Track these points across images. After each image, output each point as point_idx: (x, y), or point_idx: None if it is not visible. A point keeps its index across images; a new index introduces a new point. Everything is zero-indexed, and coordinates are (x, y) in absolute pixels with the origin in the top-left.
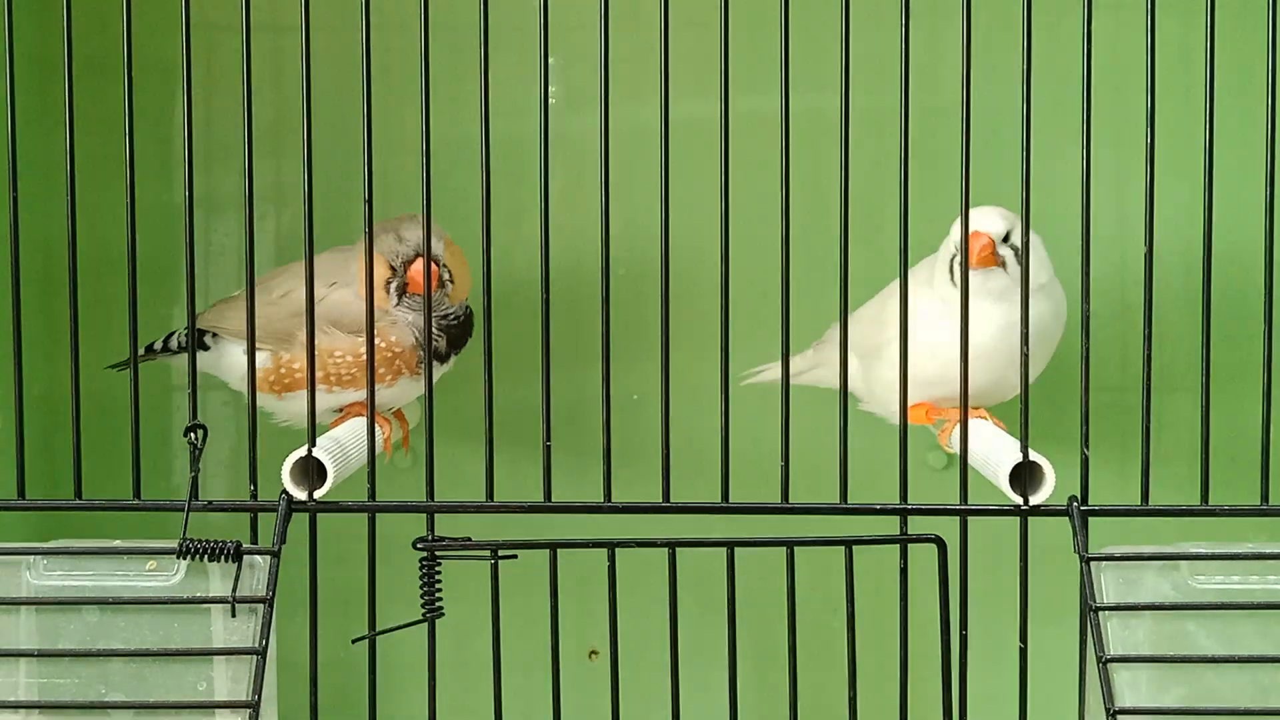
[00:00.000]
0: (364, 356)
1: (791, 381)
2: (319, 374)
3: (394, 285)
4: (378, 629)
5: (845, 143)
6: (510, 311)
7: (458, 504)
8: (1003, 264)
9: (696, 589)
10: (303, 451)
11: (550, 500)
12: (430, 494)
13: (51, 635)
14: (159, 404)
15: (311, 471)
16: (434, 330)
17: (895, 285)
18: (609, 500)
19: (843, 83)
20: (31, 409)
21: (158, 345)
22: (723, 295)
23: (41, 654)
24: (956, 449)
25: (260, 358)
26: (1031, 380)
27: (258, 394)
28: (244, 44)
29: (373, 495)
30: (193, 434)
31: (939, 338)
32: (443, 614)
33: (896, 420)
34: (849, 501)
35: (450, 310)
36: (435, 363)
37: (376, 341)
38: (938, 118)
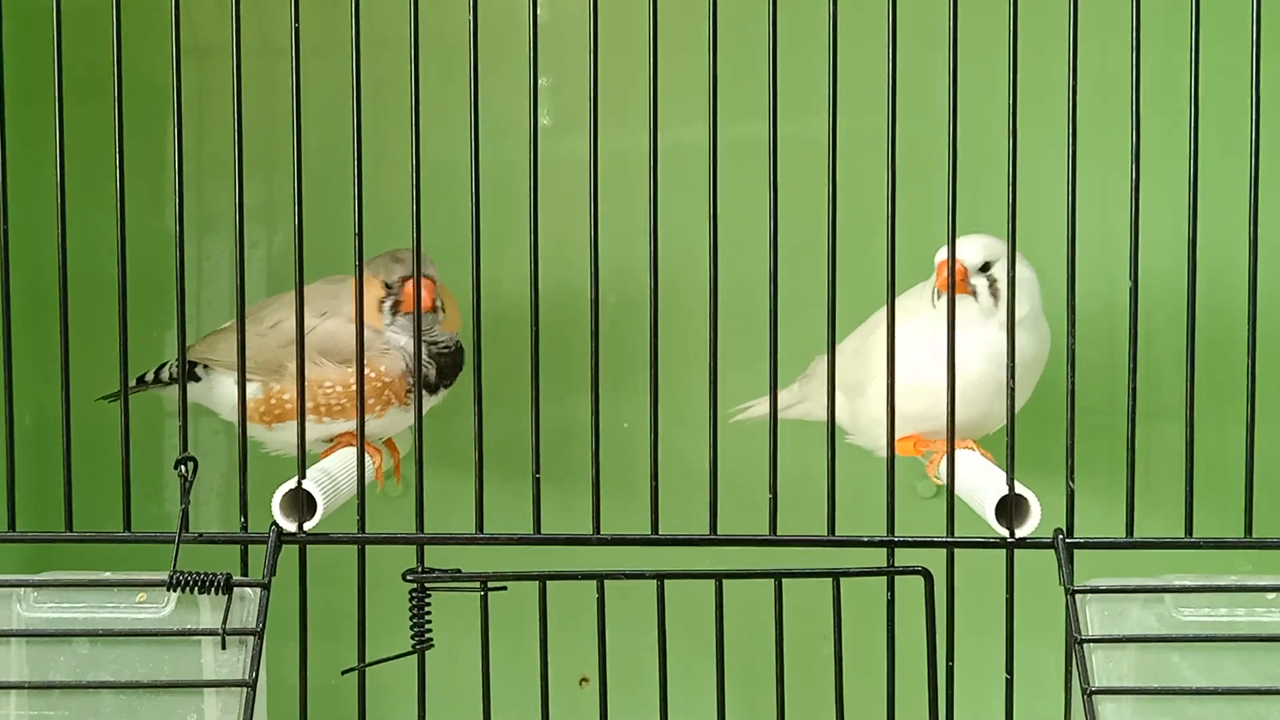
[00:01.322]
0: (353, 387)
1: (780, 415)
2: (309, 404)
3: (388, 304)
4: (368, 660)
5: (832, 171)
6: (500, 340)
7: (447, 536)
8: (973, 293)
9: (685, 618)
10: (292, 483)
11: (539, 532)
12: (420, 525)
13: (42, 667)
14: (150, 432)
15: (302, 503)
16: (425, 358)
17: (877, 318)
18: (598, 532)
19: (830, 109)
20: (20, 439)
21: (149, 376)
22: (711, 327)
23: (32, 686)
24: (944, 480)
25: (251, 389)
26: (1016, 411)
27: (248, 424)
28: (234, 68)
29: (362, 527)
30: (183, 466)
31: (925, 371)
32: (432, 645)
33: (883, 453)
34: (836, 533)
35: (442, 338)
36: (424, 394)
37: (366, 371)
38: (926, 143)
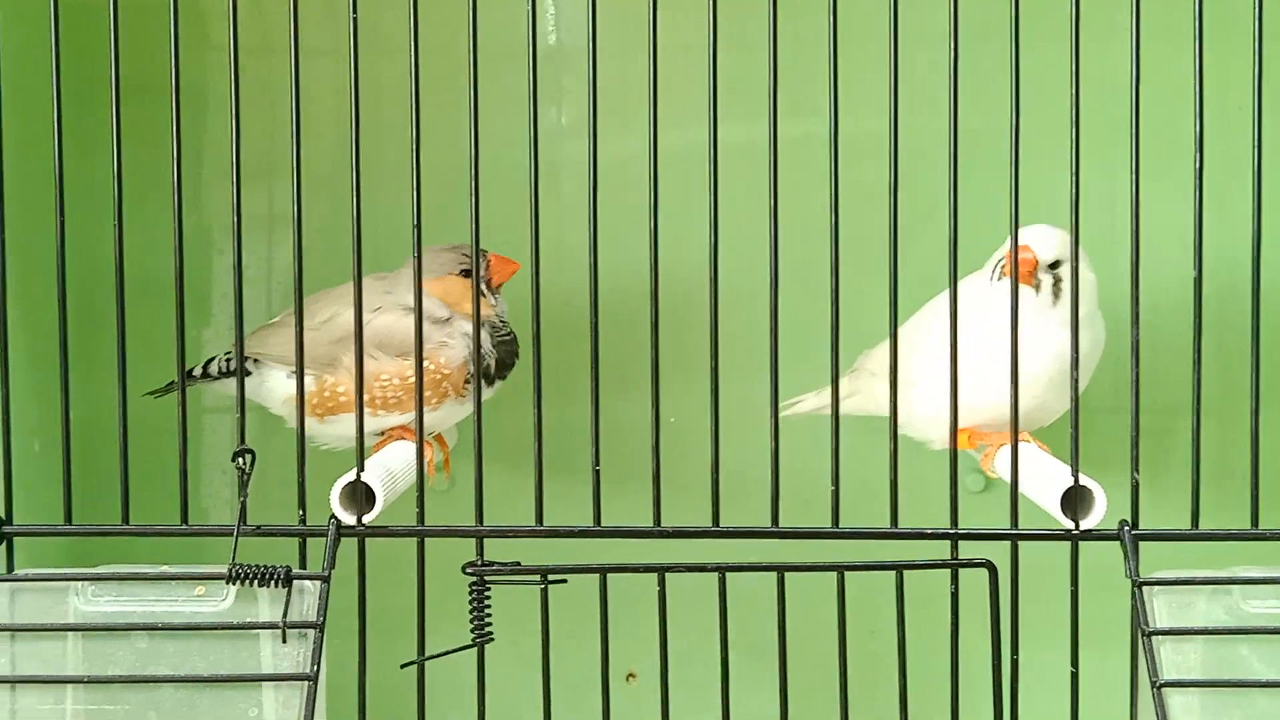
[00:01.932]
0: (409, 379)
1: (824, 411)
2: (365, 396)
3: (485, 284)
4: (426, 654)
5: (894, 161)
6: (551, 335)
7: (507, 529)
8: (1036, 286)
9: (738, 612)
10: (351, 476)
11: (600, 524)
12: (479, 518)
13: (101, 661)
14: (189, 428)
15: (360, 496)
16: (488, 346)
17: (927, 311)
18: (658, 524)
19: (891, 103)
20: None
21: (196, 371)
22: (772, 317)
23: (91, 680)
24: (1000, 474)
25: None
26: (1065, 406)
27: (292, 414)
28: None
29: (421, 520)
30: (240, 459)
31: (981, 364)
32: (492, 639)
33: (935, 446)
34: (899, 526)
35: (502, 326)
36: (484, 384)
37: (425, 364)
38: (983, 140)
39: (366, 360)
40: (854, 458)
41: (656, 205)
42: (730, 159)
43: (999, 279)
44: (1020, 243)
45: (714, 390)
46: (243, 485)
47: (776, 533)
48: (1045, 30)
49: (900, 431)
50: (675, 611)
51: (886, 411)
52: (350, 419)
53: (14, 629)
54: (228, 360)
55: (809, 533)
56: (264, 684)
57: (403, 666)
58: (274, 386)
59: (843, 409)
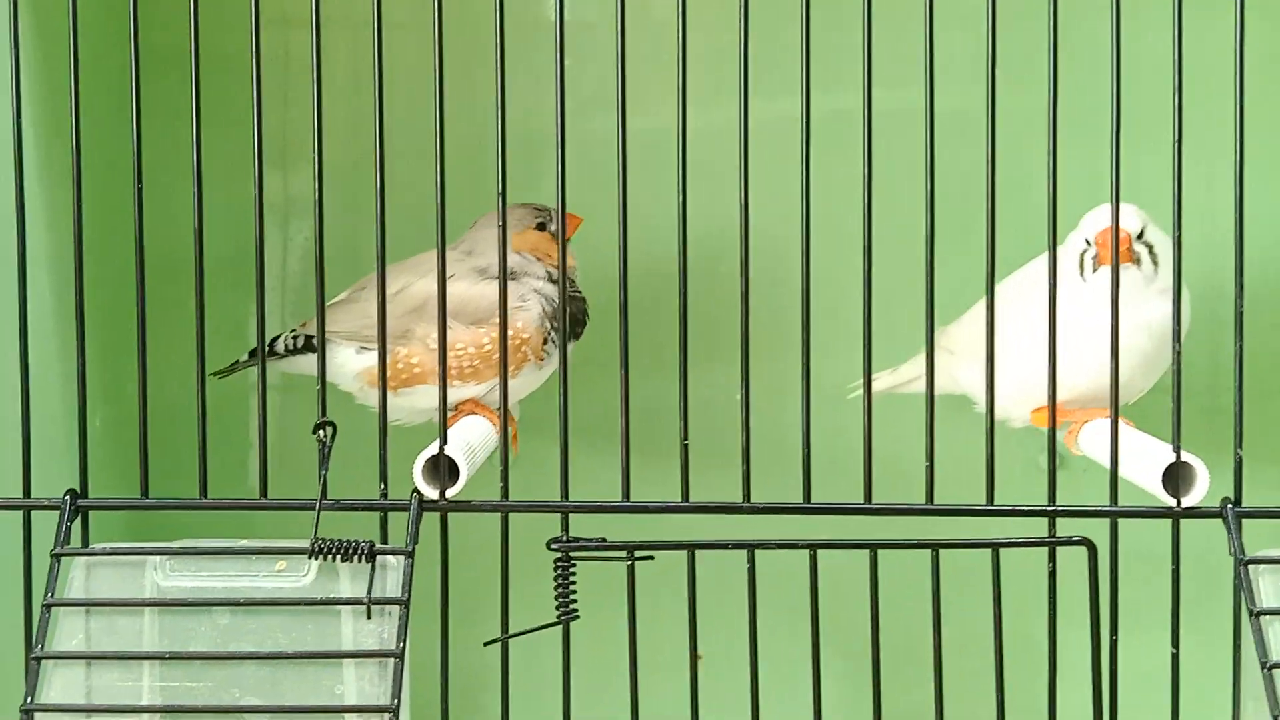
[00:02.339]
0: (485, 348)
1: (899, 390)
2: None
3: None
4: (510, 631)
5: (992, 136)
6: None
7: (594, 504)
8: (1137, 261)
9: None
10: (433, 450)
11: (688, 500)
12: (564, 493)
13: (182, 638)
14: (237, 406)
15: (443, 470)
16: (557, 303)
17: (1006, 286)
18: (748, 500)
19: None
20: (125, 409)
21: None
22: (865, 291)
23: (176, 656)
24: (1084, 451)
25: (373, 355)
26: (1150, 384)
27: (369, 390)
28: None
29: (505, 494)
30: (321, 431)
31: (1067, 339)
32: (578, 616)
33: (1014, 424)
34: (995, 503)
35: (572, 284)
36: (556, 344)
37: (497, 331)
38: (1034, 118)
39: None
40: (915, 435)
41: (747, 175)
42: (777, 133)
43: (1094, 270)
44: (1096, 225)
45: (805, 365)
46: (324, 458)
47: (870, 509)
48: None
49: (977, 408)
50: (742, 591)
51: (964, 389)
52: (424, 391)
53: (94, 604)
54: (294, 338)
55: (903, 509)
56: (345, 661)
57: (486, 644)
58: (343, 363)
59: (917, 387)
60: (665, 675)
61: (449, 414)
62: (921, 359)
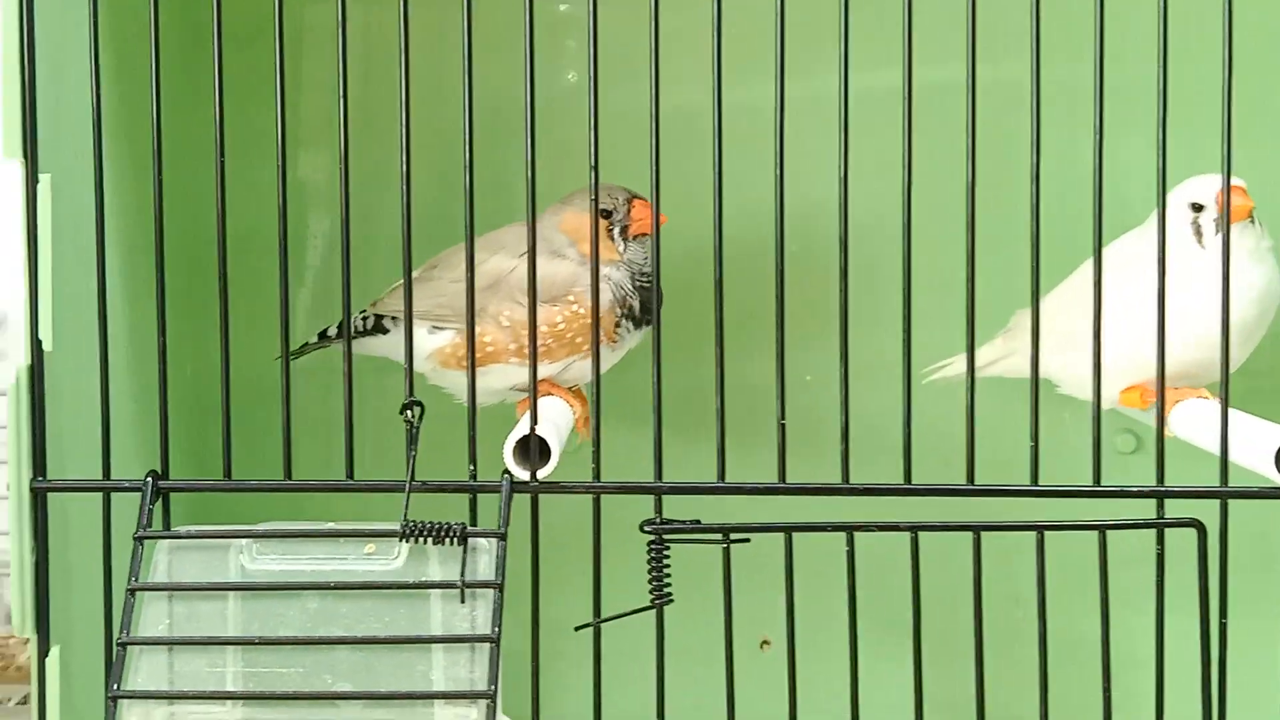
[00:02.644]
0: (559, 326)
1: (979, 374)
2: (512, 346)
3: (616, 231)
4: (601, 616)
5: (1098, 114)
6: (690, 286)
7: (689, 485)
8: (1253, 220)
9: (880, 576)
10: (524, 430)
11: (785, 481)
12: (658, 473)
13: (271, 623)
14: (297, 391)
15: (534, 451)
16: (630, 289)
17: (1088, 268)
18: (847, 481)
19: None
20: (187, 392)
21: (331, 331)
22: (969, 268)
23: (267, 642)
24: (1176, 433)
25: (446, 335)
26: (1246, 355)
27: (442, 371)
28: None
29: (597, 475)
30: (409, 411)
31: (1172, 313)
32: (671, 600)
33: (1103, 404)
34: (1102, 484)
35: (648, 269)
36: (630, 329)
37: (575, 307)
38: (1127, 92)
39: (513, 308)
40: (992, 417)
41: (846, 154)
42: (868, 107)
43: (1217, 233)
44: (1209, 189)
45: (906, 348)
46: (412, 439)
47: (971, 491)
48: None
49: (1062, 390)
50: (807, 576)
51: (1049, 373)
52: (497, 370)
53: (181, 588)
54: (364, 318)
55: (1007, 490)
56: (434, 646)
57: (577, 629)
58: (416, 342)
59: (997, 370)
60: (741, 661)
61: (522, 396)
62: (1000, 342)
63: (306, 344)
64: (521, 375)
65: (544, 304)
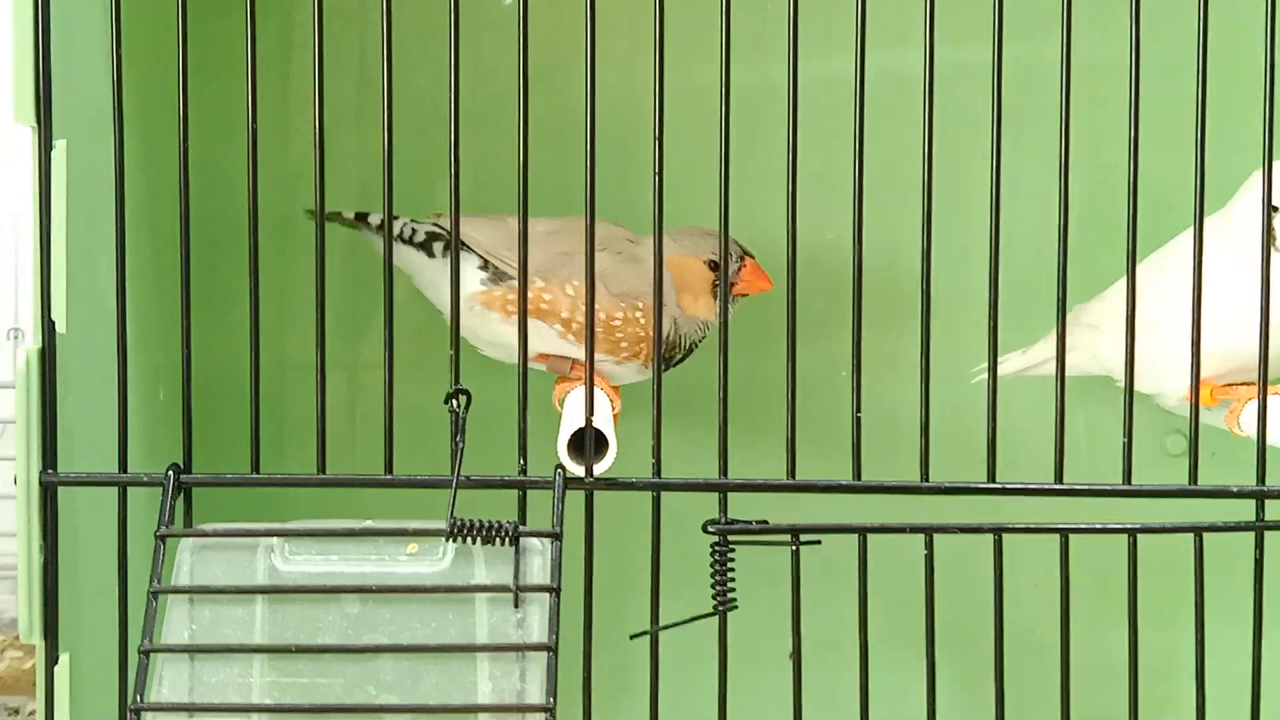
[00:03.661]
0: (612, 321)
1: (1033, 371)
2: (564, 314)
3: (719, 285)
4: (661, 623)
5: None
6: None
7: (756, 482)
8: None
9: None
10: (579, 423)
11: (860, 479)
12: (723, 469)
13: (308, 628)
14: (272, 379)
15: (589, 445)
16: (687, 344)
17: (1159, 255)
18: (926, 480)
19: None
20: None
21: (373, 219)
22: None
23: (301, 649)
24: (1248, 432)
25: (494, 284)
26: None
27: (481, 311)
28: None
29: (658, 471)
30: (454, 400)
31: (1234, 305)
32: (736, 606)
33: (1168, 401)
34: (1199, 483)
35: (706, 331)
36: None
37: (633, 314)
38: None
39: (583, 285)
40: (1045, 416)
41: (931, 152)
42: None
43: None
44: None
45: (992, 341)
46: (458, 430)
47: (1060, 490)
48: None
49: (1118, 384)
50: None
51: (1109, 369)
52: (534, 327)
53: (210, 591)
54: (414, 228)
55: (1097, 491)
56: (478, 655)
57: (633, 637)
58: (462, 281)
59: (1051, 369)
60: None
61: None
62: (1055, 339)
63: (340, 214)
64: (549, 344)
65: (614, 296)
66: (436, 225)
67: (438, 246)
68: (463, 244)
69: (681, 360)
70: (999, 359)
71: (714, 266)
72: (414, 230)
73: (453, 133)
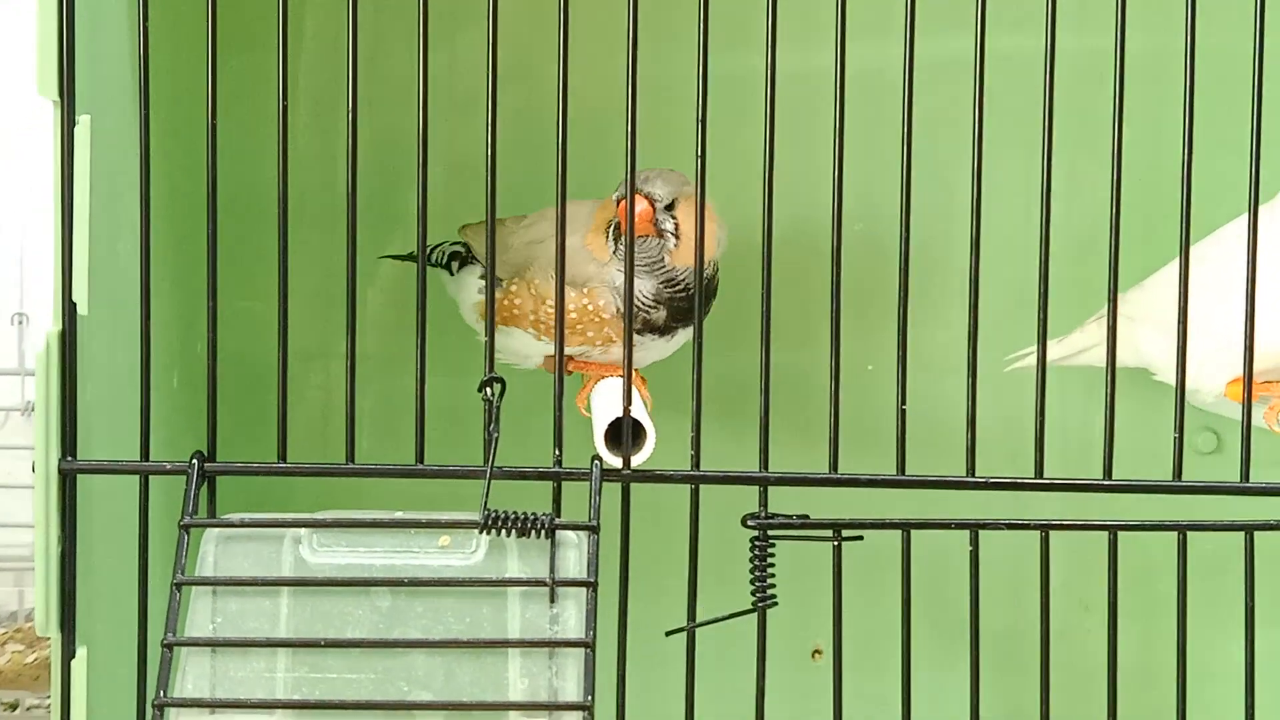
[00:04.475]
0: (570, 313)
1: (1066, 362)
2: (531, 316)
3: (611, 228)
4: (697, 619)
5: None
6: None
7: (797, 475)
8: None
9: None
10: (616, 413)
11: (904, 473)
12: (764, 463)
13: (336, 622)
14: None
15: (626, 436)
16: (650, 300)
17: (1206, 244)
18: (973, 474)
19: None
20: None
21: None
22: (1112, 257)
23: (331, 644)
24: None
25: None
26: None
27: (480, 322)
28: None
29: (697, 464)
30: (488, 389)
31: (1275, 304)
32: (775, 602)
33: (1203, 398)
34: (1250, 480)
35: (675, 274)
36: (652, 336)
37: (584, 303)
38: (1219, 62)
39: (542, 280)
40: (1071, 409)
41: (980, 141)
42: (943, 76)
43: None
44: None
45: (1041, 338)
46: (493, 419)
47: (1109, 486)
48: None
49: (1160, 377)
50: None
51: (1145, 360)
52: (518, 334)
53: (239, 583)
54: (444, 252)
55: (1145, 486)
56: (509, 651)
57: (669, 634)
58: (468, 292)
59: (1086, 359)
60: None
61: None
62: (1091, 329)
63: (411, 253)
64: (539, 347)
65: (569, 286)
66: (456, 245)
67: (454, 264)
68: (472, 257)
69: (708, 295)
70: (1030, 349)
71: (618, 202)
72: (443, 254)
73: (490, 136)
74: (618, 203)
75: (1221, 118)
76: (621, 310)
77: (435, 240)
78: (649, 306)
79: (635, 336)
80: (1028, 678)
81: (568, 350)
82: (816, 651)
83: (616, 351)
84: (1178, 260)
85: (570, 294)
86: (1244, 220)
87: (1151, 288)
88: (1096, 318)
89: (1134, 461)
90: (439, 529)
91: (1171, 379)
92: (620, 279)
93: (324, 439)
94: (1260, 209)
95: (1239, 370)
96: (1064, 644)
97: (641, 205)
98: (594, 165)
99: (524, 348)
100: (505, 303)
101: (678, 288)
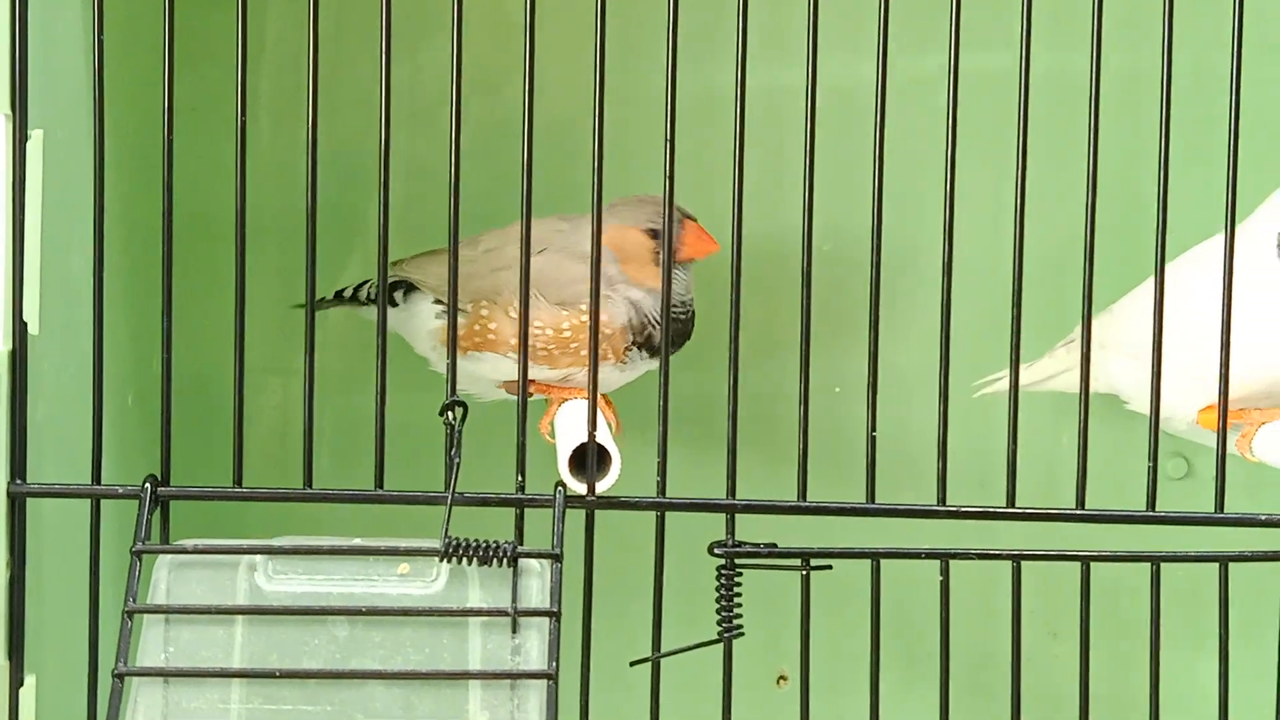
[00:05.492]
0: (564, 332)
1: (1035, 388)
2: (513, 340)
3: (659, 254)
4: (662, 650)
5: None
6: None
7: (766, 503)
8: None
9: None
10: (581, 438)
11: (874, 501)
12: (731, 490)
13: (293, 651)
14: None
15: (591, 462)
16: (651, 319)
17: (1178, 268)
18: (943, 503)
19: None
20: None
21: (347, 292)
22: (1086, 284)
23: (286, 674)
24: (1261, 457)
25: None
26: None
27: (440, 350)
28: None
29: (663, 490)
30: (449, 413)
31: (1248, 330)
32: (742, 632)
33: (1176, 426)
34: (1226, 510)
35: (685, 298)
36: (645, 356)
37: (584, 318)
38: (1193, 86)
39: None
40: (1038, 435)
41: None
42: (917, 94)
43: None
44: None
45: (1014, 361)
46: (454, 443)
47: (1082, 516)
48: None
49: (1132, 407)
50: (828, 606)
51: (1114, 386)
52: (492, 360)
53: (199, 611)
54: (373, 287)
55: (1121, 517)
56: (469, 682)
57: (633, 664)
58: (423, 321)
59: (1058, 384)
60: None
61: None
62: (1060, 354)
63: (324, 299)
64: (504, 371)
65: (555, 305)
66: (395, 275)
67: (398, 295)
68: (414, 286)
69: (681, 335)
70: (999, 374)
71: (654, 234)
72: (371, 290)
73: (454, 149)
74: (651, 234)
75: (1196, 137)
76: (631, 325)
77: (367, 277)
78: (651, 324)
79: (621, 360)
80: (996, 704)
81: (551, 374)
82: (782, 678)
83: (602, 373)
84: (1147, 285)
85: (561, 314)
86: (1216, 241)
87: (1120, 313)
88: (1065, 343)
89: (1104, 487)
90: (398, 556)
91: (1141, 406)
92: (633, 293)
93: (282, 459)
94: (1197, 250)
95: (1213, 397)
96: (1031, 671)
97: (693, 227)
98: (560, 180)
99: (493, 372)
100: (475, 328)
101: (680, 311)
